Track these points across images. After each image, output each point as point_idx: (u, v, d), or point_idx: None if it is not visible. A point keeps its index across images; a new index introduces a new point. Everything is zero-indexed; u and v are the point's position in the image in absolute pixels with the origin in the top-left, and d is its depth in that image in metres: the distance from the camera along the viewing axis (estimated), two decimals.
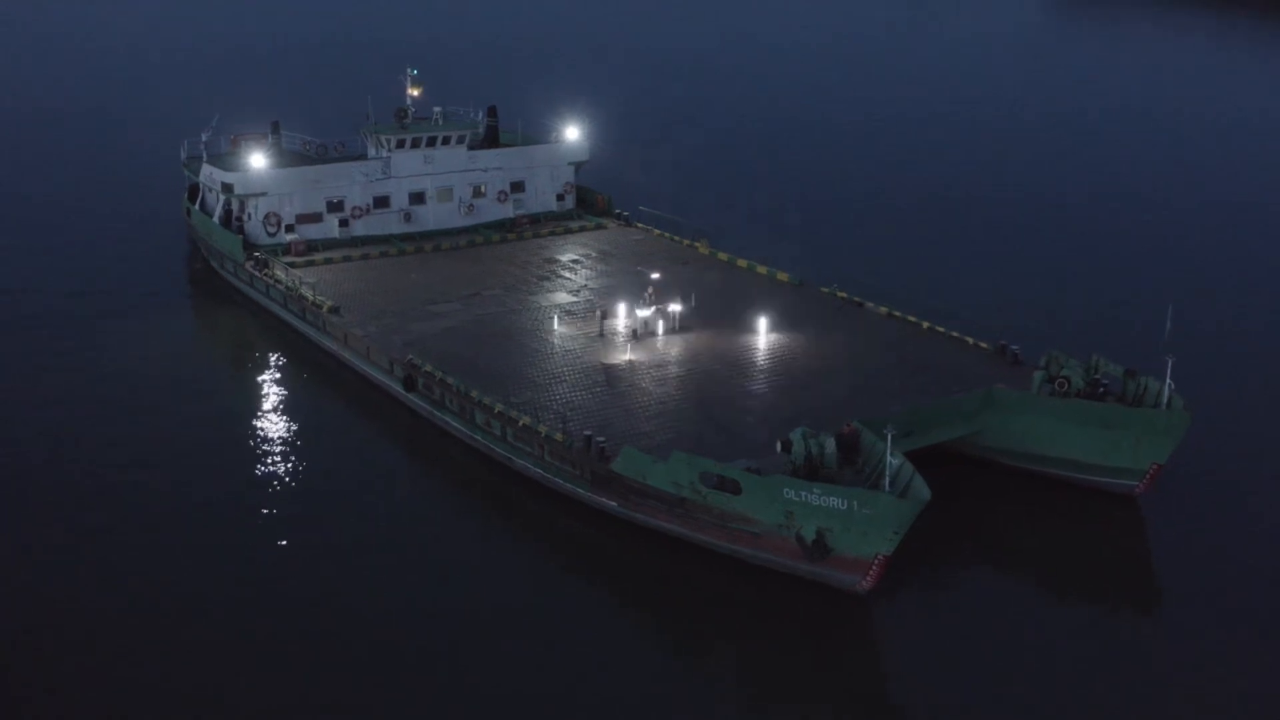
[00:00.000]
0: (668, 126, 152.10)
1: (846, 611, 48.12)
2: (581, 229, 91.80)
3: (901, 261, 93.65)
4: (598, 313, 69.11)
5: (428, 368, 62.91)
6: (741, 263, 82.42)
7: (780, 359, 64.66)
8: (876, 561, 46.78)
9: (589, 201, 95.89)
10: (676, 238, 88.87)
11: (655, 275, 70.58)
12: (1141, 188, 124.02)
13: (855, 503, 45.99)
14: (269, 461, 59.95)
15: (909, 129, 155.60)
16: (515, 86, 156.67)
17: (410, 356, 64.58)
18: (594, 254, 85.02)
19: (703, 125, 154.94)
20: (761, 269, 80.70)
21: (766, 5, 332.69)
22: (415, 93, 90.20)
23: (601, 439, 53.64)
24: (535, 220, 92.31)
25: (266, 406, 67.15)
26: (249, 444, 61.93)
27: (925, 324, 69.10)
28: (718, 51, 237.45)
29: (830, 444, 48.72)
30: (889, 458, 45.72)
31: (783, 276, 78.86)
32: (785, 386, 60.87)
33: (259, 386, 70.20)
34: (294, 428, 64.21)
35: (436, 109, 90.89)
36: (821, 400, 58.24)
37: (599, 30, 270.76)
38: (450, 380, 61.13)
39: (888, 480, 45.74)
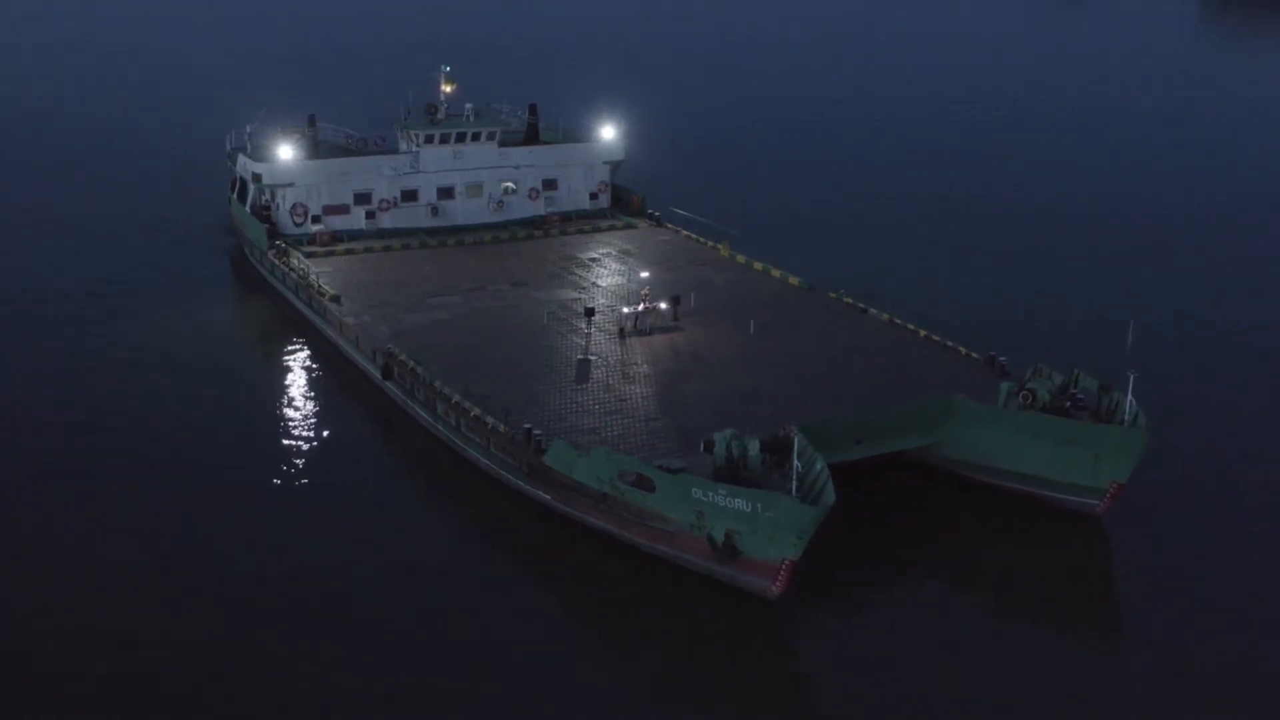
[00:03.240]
0: (718, 125, 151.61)
1: (771, 619, 46.92)
2: (611, 228, 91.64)
3: (926, 269, 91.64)
4: (584, 310, 68.96)
5: (402, 357, 63.56)
6: (758, 265, 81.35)
7: (759, 362, 63.47)
8: (783, 566, 45.64)
9: (625, 201, 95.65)
10: (702, 239, 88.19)
11: (644, 274, 70.17)
12: (1186, 197, 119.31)
13: (759, 505, 44.98)
14: (248, 440, 61.40)
15: (973, 134, 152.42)
16: (561, 85, 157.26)
17: (389, 346, 65.34)
18: (615, 253, 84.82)
19: (758, 127, 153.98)
20: (775, 272, 79.55)
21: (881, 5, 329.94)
22: (449, 89, 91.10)
23: (539, 432, 53.46)
24: (566, 218, 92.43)
25: (263, 388, 68.97)
26: (232, 423, 63.41)
27: (923, 332, 67.31)
28: (804, 51, 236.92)
29: (755, 446, 47.71)
30: (795, 460, 44.60)
31: (794, 280, 77.64)
32: (753, 389, 59.71)
33: (262, 369, 72.32)
34: (282, 409, 65.76)
35: (468, 105, 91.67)
36: (782, 403, 56.91)
37: (651, 31, 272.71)
38: (419, 370, 61.66)
39: (794, 484, 44.65)
